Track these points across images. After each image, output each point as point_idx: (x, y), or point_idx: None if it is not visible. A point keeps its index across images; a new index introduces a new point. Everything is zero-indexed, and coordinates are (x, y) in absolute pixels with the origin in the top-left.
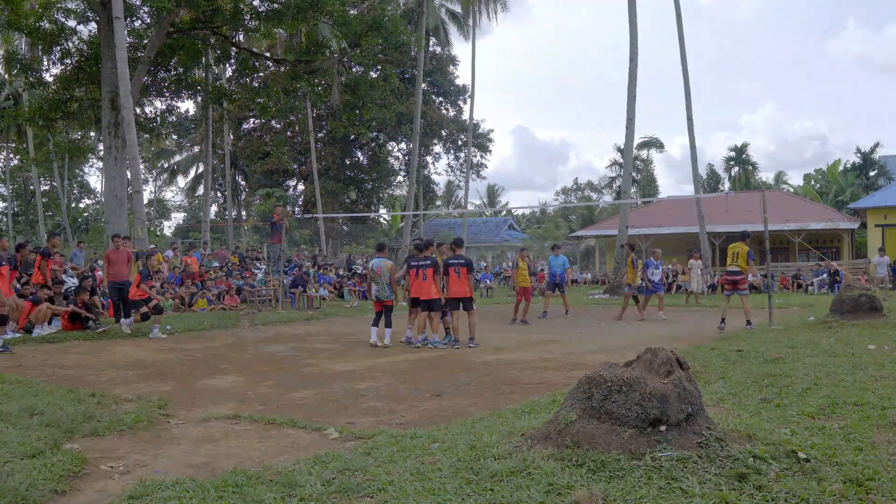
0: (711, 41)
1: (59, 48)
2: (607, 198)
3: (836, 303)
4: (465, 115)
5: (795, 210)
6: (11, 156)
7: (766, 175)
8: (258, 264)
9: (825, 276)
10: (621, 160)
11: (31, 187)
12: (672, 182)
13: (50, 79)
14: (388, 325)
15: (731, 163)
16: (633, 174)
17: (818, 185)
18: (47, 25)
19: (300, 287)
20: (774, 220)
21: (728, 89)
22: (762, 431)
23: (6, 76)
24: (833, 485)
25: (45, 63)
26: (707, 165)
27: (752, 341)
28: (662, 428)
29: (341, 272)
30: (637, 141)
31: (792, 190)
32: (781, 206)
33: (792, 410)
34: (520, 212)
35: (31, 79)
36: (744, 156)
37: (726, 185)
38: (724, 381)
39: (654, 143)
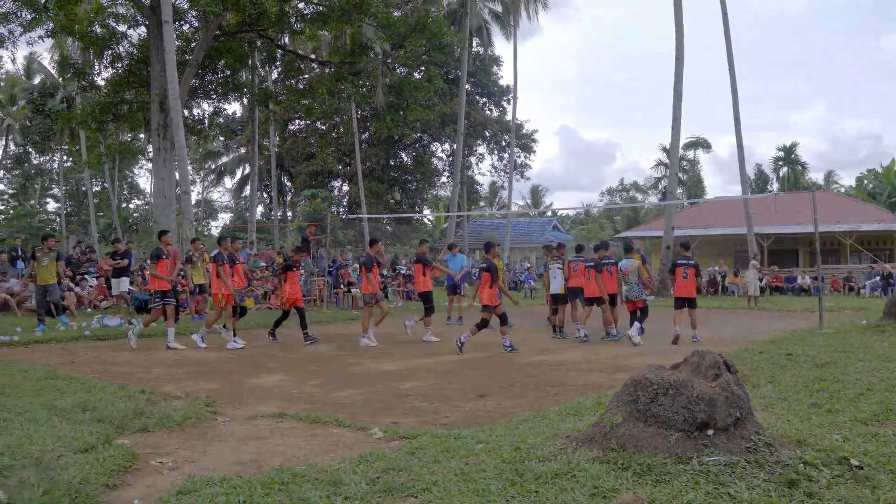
0: (759, 38)
1: (109, 52)
2: (653, 198)
3: (890, 306)
4: (509, 116)
5: (846, 211)
6: (65, 158)
7: (815, 175)
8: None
9: (878, 278)
10: (667, 160)
11: (84, 188)
12: (719, 182)
13: (101, 82)
14: (640, 323)
15: (780, 163)
16: (680, 175)
17: (871, 186)
18: (99, 30)
19: (343, 287)
20: (825, 221)
21: (777, 88)
22: (813, 437)
23: (60, 80)
24: (887, 493)
25: (97, 67)
26: (755, 166)
27: (803, 345)
28: (710, 432)
29: (385, 272)
30: (683, 141)
31: (843, 190)
32: (832, 207)
33: (844, 416)
34: (564, 213)
35: (83, 82)
36: (793, 156)
37: (775, 186)
38: (773, 385)
39: (700, 144)
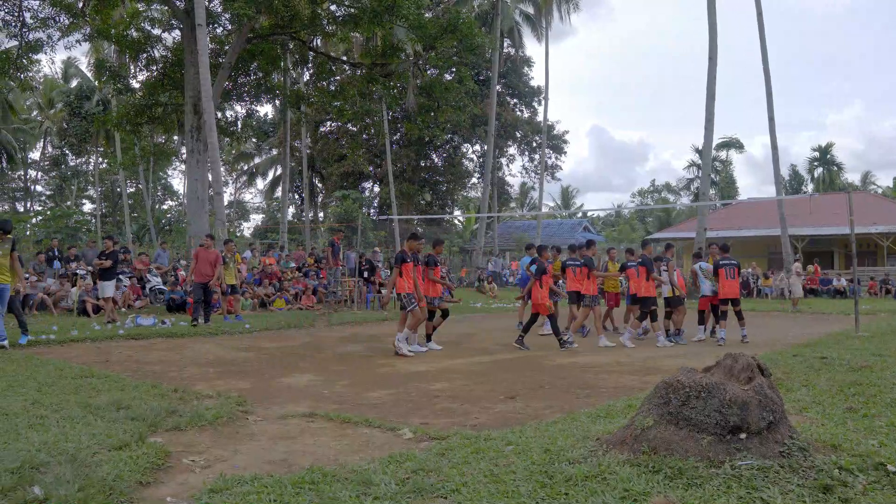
0: (795, 37)
1: (144, 55)
2: (685, 200)
3: None
4: (540, 117)
5: (884, 212)
6: (100, 159)
7: (851, 176)
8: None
9: None
10: (700, 161)
11: (119, 189)
12: (753, 183)
13: (136, 85)
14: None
15: (815, 163)
16: (712, 175)
17: None
18: (134, 34)
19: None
20: (861, 222)
21: (813, 87)
22: (848, 442)
23: (96, 83)
24: None
25: (132, 70)
26: (790, 166)
27: (838, 348)
28: (742, 436)
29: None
30: (716, 141)
31: (880, 191)
32: (869, 208)
33: (880, 421)
34: (595, 214)
35: (119, 85)
36: (828, 156)
37: (809, 187)
38: (808, 388)
39: (733, 144)
